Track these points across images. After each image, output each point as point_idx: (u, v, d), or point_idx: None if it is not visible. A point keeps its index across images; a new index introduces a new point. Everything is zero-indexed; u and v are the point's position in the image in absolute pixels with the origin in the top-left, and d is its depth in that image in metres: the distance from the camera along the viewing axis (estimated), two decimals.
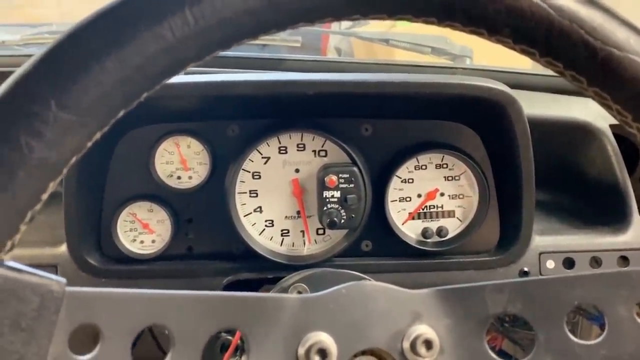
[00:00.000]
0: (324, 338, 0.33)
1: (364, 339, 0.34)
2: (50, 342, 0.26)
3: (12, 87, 0.23)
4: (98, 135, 0.26)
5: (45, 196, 0.25)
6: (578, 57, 0.28)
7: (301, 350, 0.33)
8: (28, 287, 0.25)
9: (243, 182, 0.67)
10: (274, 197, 0.67)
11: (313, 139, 0.66)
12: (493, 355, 0.34)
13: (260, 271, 0.66)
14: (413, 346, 0.34)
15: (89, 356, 0.28)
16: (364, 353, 0.35)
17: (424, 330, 0.34)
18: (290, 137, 0.66)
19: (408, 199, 0.69)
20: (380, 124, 0.67)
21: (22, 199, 0.24)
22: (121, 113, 0.26)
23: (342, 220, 0.64)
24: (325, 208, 0.64)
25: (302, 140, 0.66)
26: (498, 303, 0.34)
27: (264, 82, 0.58)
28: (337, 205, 0.64)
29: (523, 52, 0.29)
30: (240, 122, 0.66)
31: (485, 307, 0.34)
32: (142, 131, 0.65)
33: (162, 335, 1.05)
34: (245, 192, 0.67)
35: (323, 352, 0.32)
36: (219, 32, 0.25)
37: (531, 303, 0.33)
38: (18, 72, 0.24)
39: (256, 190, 0.67)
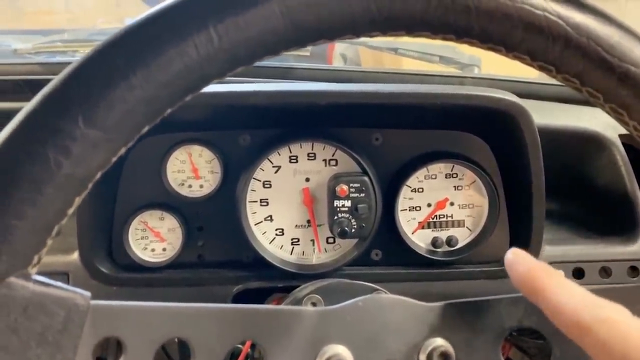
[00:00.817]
0: (341, 351, 0.33)
1: (381, 352, 0.34)
2: (75, 355, 0.26)
3: (41, 104, 0.24)
4: (122, 151, 0.26)
5: (71, 211, 0.26)
6: (595, 74, 0.28)
7: None
8: (54, 301, 0.25)
9: (254, 191, 0.67)
10: (285, 206, 0.68)
11: (324, 148, 0.66)
12: None
13: (270, 280, 0.66)
14: (429, 359, 0.34)
15: None
16: None
17: (440, 343, 0.34)
18: (301, 147, 0.66)
19: (418, 208, 0.69)
20: (391, 133, 0.67)
21: (50, 214, 0.25)
22: (145, 129, 0.26)
23: (353, 230, 0.64)
24: (335, 217, 0.64)
25: (312, 149, 0.67)
26: (514, 316, 0.34)
27: (275, 93, 0.59)
28: (347, 215, 0.64)
29: (540, 68, 0.29)
30: (251, 131, 0.66)
31: (501, 320, 0.34)
32: (154, 140, 0.66)
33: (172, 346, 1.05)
34: (256, 201, 0.67)
35: None
36: (242, 50, 0.26)
37: (545, 317, 0.33)
38: (45, 88, 0.24)
39: (267, 199, 0.68)
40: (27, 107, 0.24)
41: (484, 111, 0.62)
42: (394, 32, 0.28)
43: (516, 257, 0.30)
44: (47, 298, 0.25)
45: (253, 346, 0.76)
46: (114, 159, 0.26)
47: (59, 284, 0.26)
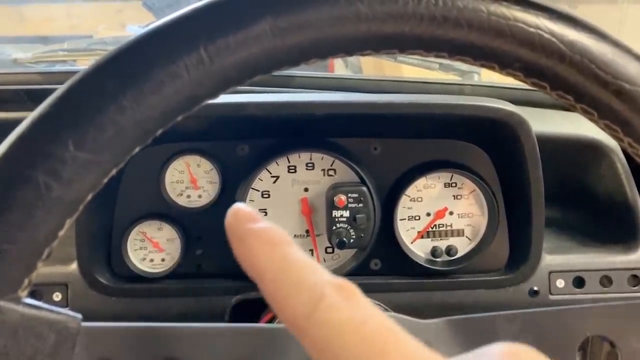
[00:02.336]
0: None
1: None
2: None
3: (30, 127, 0.24)
4: (114, 172, 0.26)
5: (61, 233, 0.26)
6: (588, 91, 0.28)
7: None
8: (45, 324, 0.25)
9: (252, 201, 0.67)
10: (283, 216, 0.68)
11: (322, 159, 0.66)
12: None
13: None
14: None
15: None
16: None
17: None
18: (299, 157, 0.66)
19: (417, 218, 0.69)
20: (389, 143, 0.67)
21: (40, 238, 0.24)
22: (137, 149, 0.26)
23: (352, 240, 0.64)
24: (334, 227, 0.64)
25: (311, 159, 0.67)
26: (509, 333, 0.34)
27: (273, 104, 0.59)
28: (346, 225, 0.64)
29: (534, 85, 0.29)
30: (249, 141, 0.66)
31: (496, 337, 0.34)
32: (153, 150, 0.66)
33: None
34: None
35: None
36: (233, 70, 0.26)
37: (542, 334, 0.33)
38: (35, 112, 0.24)
39: (265, 209, 0.67)
40: (17, 130, 0.24)
41: (483, 121, 0.62)
42: (386, 50, 0.28)
43: (232, 221, 0.21)
44: (37, 321, 0.25)
45: None
46: (105, 180, 0.26)
47: (49, 307, 0.26)
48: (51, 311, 0.26)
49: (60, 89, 0.25)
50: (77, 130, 0.24)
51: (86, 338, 0.27)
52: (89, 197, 0.25)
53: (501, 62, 0.28)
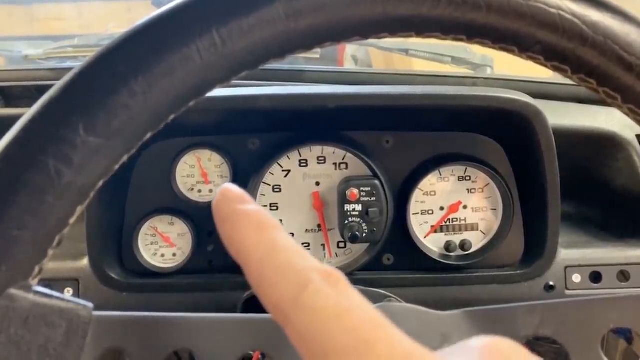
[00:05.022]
0: None
1: None
2: None
3: (40, 111, 0.23)
4: (125, 158, 0.26)
5: (72, 220, 0.25)
6: (612, 74, 0.27)
7: None
8: (56, 312, 0.25)
9: (263, 196, 0.67)
10: (295, 211, 0.67)
11: (334, 152, 0.66)
12: None
13: None
14: None
15: None
16: None
17: None
18: (310, 150, 0.66)
19: (430, 212, 0.68)
20: (402, 136, 0.66)
21: (51, 224, 0.24)
22: (148, 135, 0.26)
23: (364, 234, 0.63)
24: (346, 222, 0.63)
25: (322, 153, 0.66)
26: (530, 325, 0.33)
27: (284, 96, 0.58)
28: (358, 219, 0.63)
29: (555, 69, 0.28)
30: (260, 135, 0.66)
31: (516, 329, 0.33)
32: (163, 145, 0.65)
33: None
34: (266, 205, 0.67)
35: None
36: (247, 54, 0.25)
37: (564, 326, 0.32)
38: (46, 96, 0.24)
39: (277, 204, 0.67)
40: (27, 114, 0.24)
41: (497, 113, 0.61)
42: (403, 33, 0.27)
43: (221, 200, 0.20)
44: (49, 309, 0.25)
45: (263, 356, 0.76)
46: (116, 167, 0.25)
47: (61, 295, 0.25)
48: (62, 299, 0.25)
49: (71, 73, 0.24)
50: (88, 115, 0.23)
51: (97, 327, 0.26)
52: (100, 183, 0.25)
53: (521, 45, 0.27)
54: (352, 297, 0.19)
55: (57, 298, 0.25)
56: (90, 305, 0.26)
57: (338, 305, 0.18)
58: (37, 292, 0.25)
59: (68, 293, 0.66)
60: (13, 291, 0.24)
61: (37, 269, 0.25)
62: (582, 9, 0.26)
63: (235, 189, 0.21)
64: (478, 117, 0.64)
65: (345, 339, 0.17)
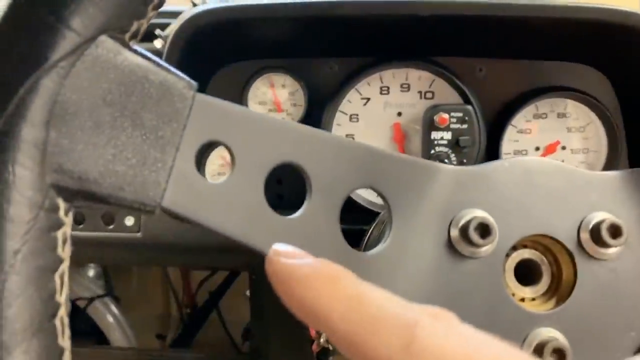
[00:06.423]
0: (484, 215, 0.26)
1: (531, 224, 0.27)
2: (177, 152, 0.21)
3: None
4: None
5: None
6: None
7: (455, 229, 0.26)
8: (155, 79, 0.20)
9: (339, 125, 0.61)
10: (372, 143, 0.60)
11: (419, 78, 0.60)
12: None
13: (357, 223, 0.60)
14: (595, 234, 0.27)
15: (219, 181, 0.22)
16: (524, 247, 0.28)
17: (607, 216, 0.27)
18: (393, 76, 0.60)
19: (524, 152, 0.61)
20: (496, 64, 0.60)
21: None
22: None
23: (453, 164, 0.57)
24: (432, 151, 0.57)
25: (407, 79, 0.60)
26: None
27: (371, 3, 0.53)
28: (446, 149, 0.57)
29: None
30: (339, 59, 0.61)
31: None
32: (235, 67, 0.61)
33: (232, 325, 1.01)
34: (342, 136, 0.61)
35: (485, 228, 0.26)
36: None
37: None
38: None
39: (353, 135, 0.62)
40: None
41: (602, 31, 0.54)
42: None
43: (274, 259, 0.19)
44: (148, 72, 0.20)
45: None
46: None
47: (161, 61, 0.21)
48: (163, 67, 0.20)
49: None
50: None
51: (199, 112, 0.21)
52: None
53: None
54: (472, 335, 0.16)
55: (156, 64, 0.20)
56: (194, 83, 0.22)
57: (460, 345, 0.15)
58: (135, 51, 0.20)
59: (129, 222, 0.62)
60: (107, 39, 0.19)
61: (135, 25, 0.20)
62: None
63: (287, 246, 0.19)
64: (581, 41, 0.57)
65: None
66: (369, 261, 0.25)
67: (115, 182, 0.20)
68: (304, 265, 0.18)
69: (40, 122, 0.18)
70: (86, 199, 0.20)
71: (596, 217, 0.27)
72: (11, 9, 0.18)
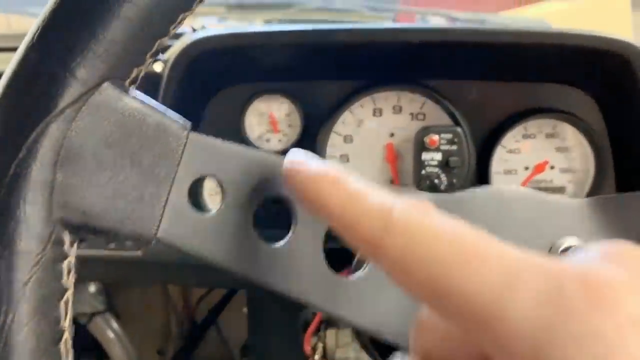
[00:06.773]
0: None
1: None
2: (171, 187, 0.22)
3: None
4: None
5: (173, 27, 0.23)
6: None
7: None
8: (152, 121, 0.22)
9: (334, 146, 0.63)
10: (366, 163, 0.63)
11: (411, 101, 0.62)
12: None
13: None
14: None
15: (210, 214, 0.24)
16: None
17: (575, 241, 0.29)
18: (386, 99, 0.62)
19: (514, 172, 0.63)
20: (485, 86, 0.62)
21: (152, 23, 0.22)
22: None
23: (443, 185, 0.58)
24: (423, 171, 0.59)
25: (398, 101, 0.62)
26: None
27: (364, 31, 0.55)
28: (437, 169, 0.59)
29: None
30: (333, 82, 0.63)
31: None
32: (234, 90, 0.63)
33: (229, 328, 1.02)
34: (336, 157, 0.63)
35: None
36: None
37: None
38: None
39: (347, 155, 0.63)
40: None
41: (592, 56, 0.56)
42: None
43: (288, 168, 0.22)
44: (145, 115, 0.22)
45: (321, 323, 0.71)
46: None
47: (157, 104, 0.23)
48: (159, 111, 0.22)
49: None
50: None
51: (192, 149, 0.23)
52: None
53: None
54: (446, 218, 0.17)
55: (154, 108, 0.22)
56: (188, 122, 0.24)
57: (433, 225, 0.17)
58: (133, 97, 0.22)
59: None
60: (108, 87, 0.21)
61: (135, 72, 0.22)
62: None
63: (299, 152, 0.23)
64: (569, 64, 0.59)
65: (449, 258, 0.16)
66: (350, 285, 0.26)
67: (115, 216, 0.21)
68: (309, 170, 0.21)
69: (49, 164, 0.20)
70: (89, 232, 0.22)
71: (565, 242, 0.29)
72: (24, 60, 0.20)
